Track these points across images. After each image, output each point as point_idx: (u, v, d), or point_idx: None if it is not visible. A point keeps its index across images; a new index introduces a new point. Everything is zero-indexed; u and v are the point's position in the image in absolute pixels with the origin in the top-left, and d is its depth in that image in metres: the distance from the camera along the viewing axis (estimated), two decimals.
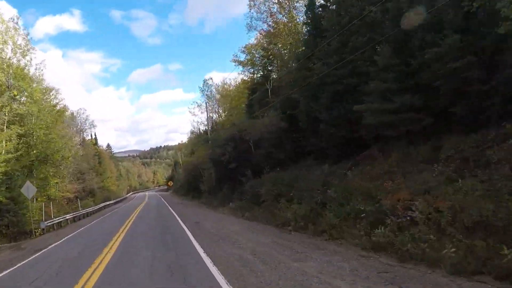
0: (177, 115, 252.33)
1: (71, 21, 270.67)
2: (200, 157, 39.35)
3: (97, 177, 59.05)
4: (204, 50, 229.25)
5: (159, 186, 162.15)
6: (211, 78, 50.70)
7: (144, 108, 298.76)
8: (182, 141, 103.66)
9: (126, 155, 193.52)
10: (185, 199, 46.29)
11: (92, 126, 55.77)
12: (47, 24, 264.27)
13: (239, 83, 36.24)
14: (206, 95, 51.16)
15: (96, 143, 69.72)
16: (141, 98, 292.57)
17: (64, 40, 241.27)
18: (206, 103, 44.81)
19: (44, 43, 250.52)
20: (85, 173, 43.61)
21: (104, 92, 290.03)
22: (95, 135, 71.06)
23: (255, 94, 24.85)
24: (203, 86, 51.28)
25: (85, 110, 54.38)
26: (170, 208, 30.78)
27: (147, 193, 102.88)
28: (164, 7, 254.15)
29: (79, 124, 53.68)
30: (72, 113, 51.34)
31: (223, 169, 25.27)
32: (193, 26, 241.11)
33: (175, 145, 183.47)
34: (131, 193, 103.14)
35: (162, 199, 52.77)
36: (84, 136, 59.03)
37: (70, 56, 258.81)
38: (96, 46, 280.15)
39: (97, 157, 67.82)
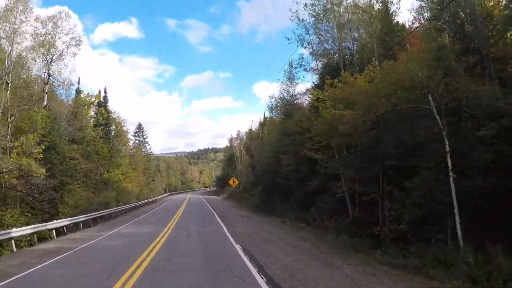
0: (224, 121, 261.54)
1: (129, 29, 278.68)
2: None
3: (98, 165, 30.50)
4: (253, 60, 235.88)
5: (205, 187, 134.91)
6: None
7: (193, 113, 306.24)
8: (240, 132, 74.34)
9: (175, 155, 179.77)
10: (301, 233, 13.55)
11: (77, 43, 26.04)
12: (105, 31, 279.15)
13: None
14: None
15: (105, 105, 40.67)
16: (192, 103, 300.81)
17: (120, 46, 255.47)
18: None
19: (102, 48, 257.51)
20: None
21: (157, 96, 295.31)
22: (104, 92, 42.08)
23: None
24: None
25: (69, 16, 25.72)
26: None
27: (189, 195, 72.98)
28: (217, 17, 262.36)
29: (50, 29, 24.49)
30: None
31: None
32: (244, 35, 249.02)
33: (224, 147, 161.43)
34: (167, 193, 74.14)
35: (223, 226, 16.60)
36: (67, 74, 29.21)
37: (125, 61, 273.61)
38: (151, 53, 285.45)
39: (102, 128, 38.72)
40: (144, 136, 69.14)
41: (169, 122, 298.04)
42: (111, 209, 24.75)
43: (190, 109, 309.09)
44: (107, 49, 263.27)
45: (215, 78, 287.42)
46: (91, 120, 38.88)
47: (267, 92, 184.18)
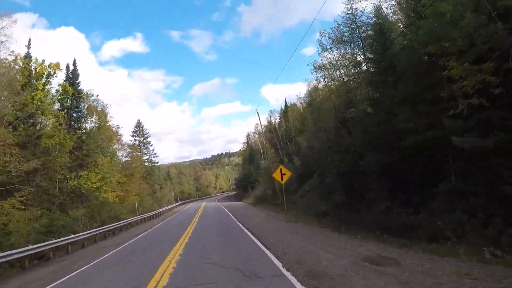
0: (235, 126, 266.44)
1: (134, 44, 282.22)
2: None
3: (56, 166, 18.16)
4: (258, 64, 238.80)
5: (222, 192, 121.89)
6: None
7: (204, 120, 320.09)
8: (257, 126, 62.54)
9: (189, 163, 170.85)
10: None
11: None
12: (112, 47, 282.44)
13: None
14: None
15: (73, 82, 27.84)
16: (202, 111, 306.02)
17: (128, 61, 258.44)
18: None
19: (110, 64, 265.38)
20: None
21: (168, 107, 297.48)
22: (74, 65, 29.11)
23: None
24: None
25: None
26: None
27: (204, 203, 59.80)
28: (219, 24, 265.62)
29: None
30: None
31: None
32: (247, 40, 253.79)
33: (237, 152, 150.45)
34: (178, 203, 61.27)
35: None
36: None
37: (134, 76, 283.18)
38: (158, 65, 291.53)
39: (66, 112, 26.37)
40: (145, 136, 56.58)
41: (181, 132, 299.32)
42: (32, 247, 11.60)
43: (201, 117, 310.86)
44: (115, 65, 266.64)
45: (223, 84, 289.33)
46: (55, 101, 26.39)
47: (271, 94, 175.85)
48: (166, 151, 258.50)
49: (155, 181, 56.11)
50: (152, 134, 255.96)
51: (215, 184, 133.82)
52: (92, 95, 31.37)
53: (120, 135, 39.12)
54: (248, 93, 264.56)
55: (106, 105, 33.70)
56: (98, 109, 33.02)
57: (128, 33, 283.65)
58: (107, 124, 33.26)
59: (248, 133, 76.73)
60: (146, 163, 54.74)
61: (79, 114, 27.76)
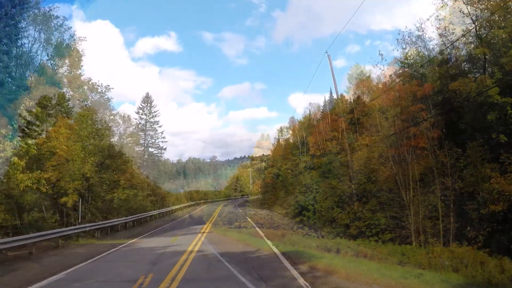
0: (260, 132, 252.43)
1: (168, 42, 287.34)
2: None
3: None
4: (287, 72, 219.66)
5: (242, 195, 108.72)
6: None
7: (230, 123, 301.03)
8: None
9: (209, 161, 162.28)
10: None
11: None
12: (146, 44, 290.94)
13: None
14: None
15: None
16: (229, 114, 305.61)
17: (160, 59, 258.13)
18: None
19: (143, 61, 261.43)
20: None
21: (195, 107, 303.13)
22: None
23: None
24: None
25: None
26: None
27: (220, 207, 46.46)
28: (252, 29, 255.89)
29: None
30: None
31: None
32: (279, 47, 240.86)
33: (260, 156, 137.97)
34: (187, 203, 48.33)
35: None
36: None
37: (165, 73, 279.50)
38: (190, 65, 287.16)
39: None
40: (153, 114, 44.41)
41: (206, 132, 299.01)
42: None
43: (227, 119, 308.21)
44: (148, 62, 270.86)
45: (251, 89, 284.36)
46: None
47: (300, 103, 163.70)
48: (191, 150, 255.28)
49: (160, 173, 43.86)
50: (178, 132, 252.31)
51: (235, 185, 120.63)
52: (58, 17, 19.13)
53: (108, 98, 26.83)
54: (275, 99, 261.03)
55: (83, 38, 21.39)
56: (73, 52, 20.90)
57: (162, 32, 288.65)
58: (78, 72, 20.93)
59: (281, 127, 63.65)
60: (151, 149, 42.87)
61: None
